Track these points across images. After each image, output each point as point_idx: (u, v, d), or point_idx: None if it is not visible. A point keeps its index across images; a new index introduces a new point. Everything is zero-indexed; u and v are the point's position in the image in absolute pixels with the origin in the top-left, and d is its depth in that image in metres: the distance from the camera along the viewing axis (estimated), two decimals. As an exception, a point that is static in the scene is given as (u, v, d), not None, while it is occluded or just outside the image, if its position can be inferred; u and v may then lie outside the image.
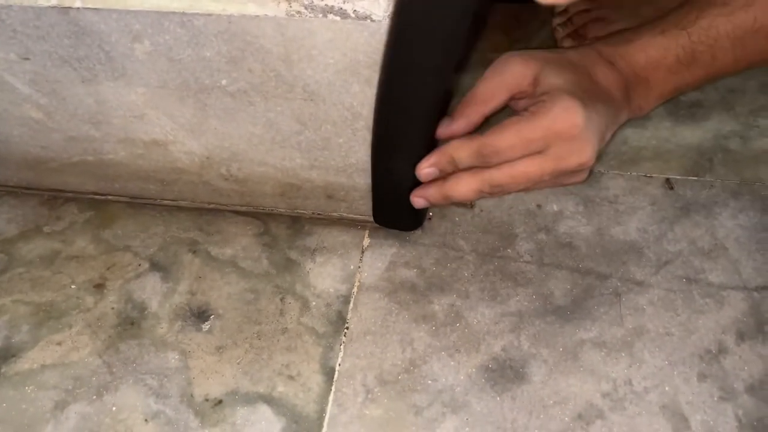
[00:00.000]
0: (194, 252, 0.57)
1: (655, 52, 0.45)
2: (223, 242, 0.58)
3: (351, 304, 0.53)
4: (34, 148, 0.58)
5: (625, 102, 0.46)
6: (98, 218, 0.60)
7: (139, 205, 0.61)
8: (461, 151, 0.46)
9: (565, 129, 0.41)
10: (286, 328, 0.51)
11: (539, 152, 0.43)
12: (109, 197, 0.62)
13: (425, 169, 0.49)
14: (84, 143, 0.57)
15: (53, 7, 0.46)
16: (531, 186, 0.45)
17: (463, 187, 0.46)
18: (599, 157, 0.63)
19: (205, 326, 0.52)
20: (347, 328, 0.51)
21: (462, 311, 0.52)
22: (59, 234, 0.59)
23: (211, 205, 0.61)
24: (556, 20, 0.76)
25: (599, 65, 0.45)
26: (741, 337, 0.50)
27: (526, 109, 0.44)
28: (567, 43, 0.73)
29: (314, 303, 0.53)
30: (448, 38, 0.43)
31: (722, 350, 0.49)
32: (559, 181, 0.45)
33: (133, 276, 0.55)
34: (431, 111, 0.48)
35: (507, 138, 0.43)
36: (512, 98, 0.46)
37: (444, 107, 0.49)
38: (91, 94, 0.52)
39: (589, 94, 0.43)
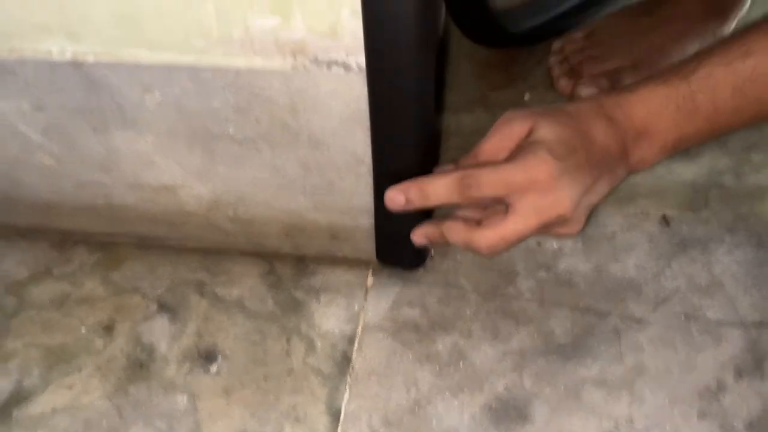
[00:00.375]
0: (201, 293, 0.58)
1: (656, 101, 0.46)
2: (229, 283, 0.59)
3: (356, 345, 0.54)
4: (46, 193, 0.59)
5: (622, 157, 0.47)
6: (107, 260, 0.61)
7: (147, 246, 0.62)
8: (437, 183, 0.47)
9: (538, 179, 0.43)
10: (292, 368, 0.52)
11: (516, 210, 0.44)
12: (118, 239, 0.63)
13: (391, 193, 0.49)
14: (94, 188, 0.58)
15: (67, 62, 0.48)
16: (519, 242, 0.46)
17: (454, 236, 0.47)
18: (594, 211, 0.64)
19: (213, 368, 0.53)
20: (352, 368, 0.52)
21: (465, 350, 0.53)
22: (69, 276, 0.60)
23: (218, 246, 0.62)
24: (552, 59, 0.78)
25: (597, 120, 0.46)
26: (739, 374, 0.51)
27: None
28: (563, 81, 0.75)
29: (319, 343, 0.54)
30: (415, 72, 0.45)
31: (721, 388, 0.50)
32: (547, 233, 0.46)
33: (141, 318, 0.56)
34: (417, 146, 0.49)
35: (487, 174, 0.44)
36: None
37: (430, 143, 0.51)
38: (101, 143, 0.54)
39: (576, 150, 0.44)
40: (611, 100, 0.48)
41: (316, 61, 0.45)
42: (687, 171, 0.67)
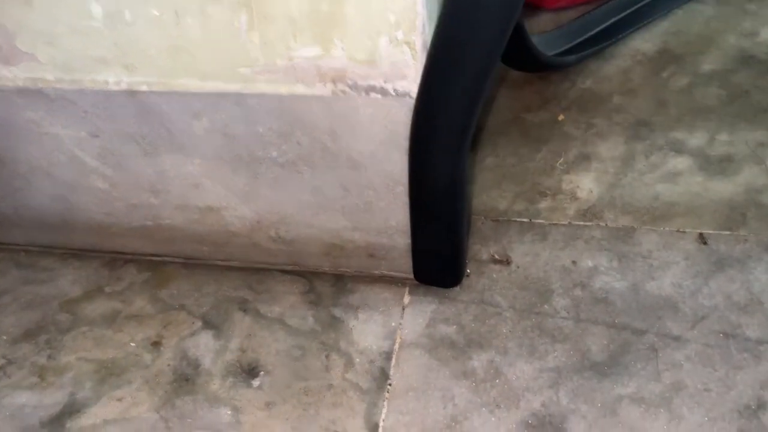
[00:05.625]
0: (244, 310, 0.60)
1: None
2: (271, 300, 0.61)
3: (393, 361, 0.55)
4: (99, 214, 0.63)
5: None
6: (155, 279, 0.64)
7: (193, 265, 0.65)
8: None
9: None
10: (331, 384, 0.54)
11: None
12: (165, 258, 0.66)
13: None
14: (144, 210, 0.61)
15: (123, 91, 0.51)
16: None
17: None
18: (630, 212, 0.65)
19: (255, 382, 0.54)
20: (390, 384, 0.53)
21: (501, 367, 0.54)
22: (119, 294, 0.63)
23: (260, 265, 0.64)
24: None
25: None
26: (780, 392, 0.50)
27: None
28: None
29: (358, 359, 0.55)
30: (460, 111, 0.47)
31: (761, 406, 0.49)
32: None
33: (187, 334, 0.59)
34: (455, 165, 0.51)
35: None
36: None
37: (465, 164, 0.52)
38: (152, 166, 0.57)
39: None
40: None
41: (355, 87, 0.48)
42: (724, 189, 0.67)
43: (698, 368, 0.52)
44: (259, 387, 0.54)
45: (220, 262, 0.65)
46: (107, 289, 0.64)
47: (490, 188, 0.69)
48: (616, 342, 0.55)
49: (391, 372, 0.54)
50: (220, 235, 0.62)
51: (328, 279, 0.62)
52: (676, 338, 0.54)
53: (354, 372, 0.54)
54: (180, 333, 0.59)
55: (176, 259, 0.66)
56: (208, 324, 0.59)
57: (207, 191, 0.58)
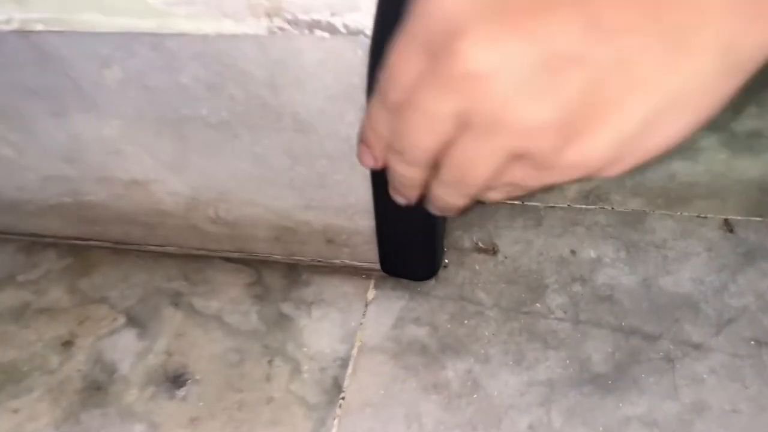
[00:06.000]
0: (176, 305, 0.50)
1: None
2: (209, 293, 0.51)
3: (349, 369, 0.45)
4: (9, 189, 0.53)
5: None
6: (77, 265, 0.54)
7: (124, 251, 0.55)
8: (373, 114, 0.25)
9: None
10: (272, 396, 0.44)
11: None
12: (92, 242, 0.56)
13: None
14: (60, 183, 0.51)
15: (13, 31, 0.41)
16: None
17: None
18: (641, 193, 0.55)
19: (180, 393, 0.45)
20: (343, 398, 0.43)
21: (480, 379, 0.44)
22: (33, 284, 0.53)
23: (201, 252, 0.54)
24: None
25: None
26: (830, 416, 0.40)
27: None
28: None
29: (306, 367, 0.45)
30: None
31: (806, 433, 0.39)
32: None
33: (106, 332, 0.49)
34: None
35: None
36: None
37: None
38: (62, 129, 0.47)
39: None
40: None
41: (295, 22, 0.38)
42: (752, 168, 0.56)
43: (724, 384, 0.42)
44: (184, 398, 0.44)
45: (154, 248, 0.55)
46: (20, 278, 0.54)
47: (477, 166, 0.59)
48: (622, 350, 0.45)
49: (346, 383, 0.44)
50: (151, 215, 0.52)
51: (279, 269, 0.53)
52: (697, 346, 0.44)
53: (300, 382, 0.44)
54: (97, 331, 0.49)
55: (105, 244, 0.56)
56: (132, 320, 0.50)
57: (130, 160, 0.48)
